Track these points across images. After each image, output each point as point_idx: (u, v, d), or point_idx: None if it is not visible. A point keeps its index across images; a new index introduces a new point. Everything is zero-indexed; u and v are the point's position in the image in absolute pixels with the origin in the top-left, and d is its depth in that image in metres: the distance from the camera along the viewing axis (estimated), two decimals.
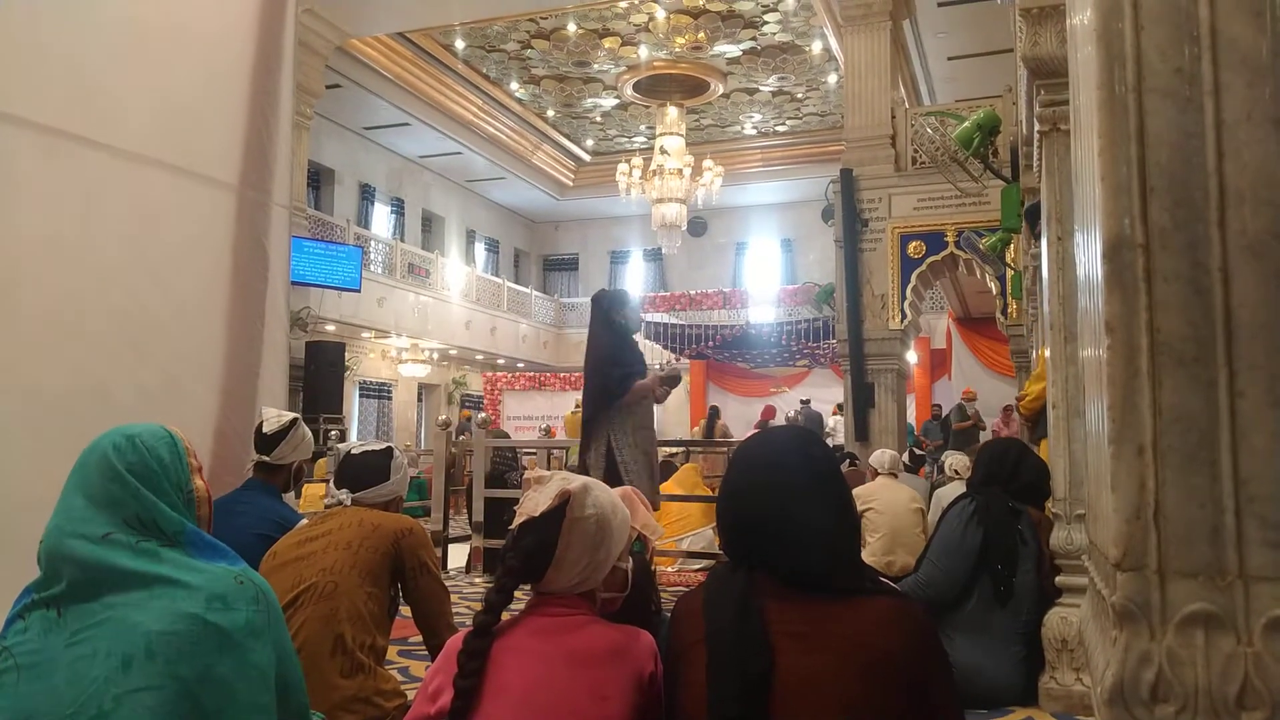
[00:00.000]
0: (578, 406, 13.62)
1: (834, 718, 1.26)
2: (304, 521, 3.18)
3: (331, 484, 2.67)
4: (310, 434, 3.48)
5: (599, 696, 1.39)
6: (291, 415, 3.42)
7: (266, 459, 3.31)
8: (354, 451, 2.68)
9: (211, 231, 3.92)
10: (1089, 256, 1.27)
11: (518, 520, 1.48)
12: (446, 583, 2.66)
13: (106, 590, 1.37)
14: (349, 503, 2.55)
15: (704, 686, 1.32)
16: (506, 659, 1.41)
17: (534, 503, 1.47)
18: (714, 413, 13.41)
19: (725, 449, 8.47)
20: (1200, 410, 1.05)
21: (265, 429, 3.33)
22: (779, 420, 12.67)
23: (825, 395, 13.95)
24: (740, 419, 15.99)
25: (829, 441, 12.82)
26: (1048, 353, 3.23)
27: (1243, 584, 1.02)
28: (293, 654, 1.55)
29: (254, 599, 1.44)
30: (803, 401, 13.51)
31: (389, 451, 2.69)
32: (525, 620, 1.47)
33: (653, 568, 1.79)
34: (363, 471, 2.61)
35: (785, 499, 1.39)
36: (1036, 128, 3.26)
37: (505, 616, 1.46)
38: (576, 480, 1.49)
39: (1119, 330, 1.08)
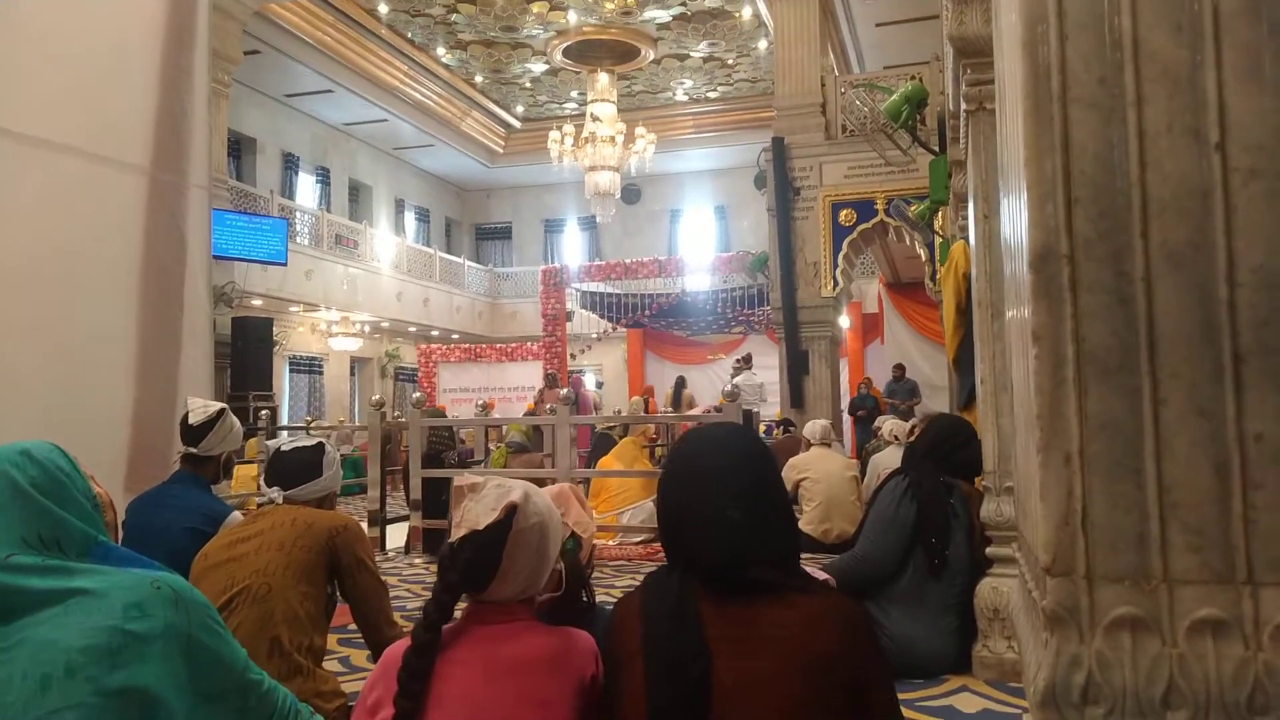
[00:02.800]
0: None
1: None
2: (235, 515, 3.13)
3: (262, 482, 2.61)
4: (238, 424, 3.40)
5: (540, 703, 1.39)
6: (219, 405, 3.33)
7: (194, 451, 3.23)
8: (285, 449, 2.62)
9: (121, 217, 3.77)
10: (1016, 262, 1.28)
11: (458, 533, 1.46)
12: (385, 564, 2.64)
13: (19, 613, 1.33)
14: (281, 501, 2.50)
15: (643, 693, 1.32)
16: (447, 670, 1.40)
17: (475, 514, 1.45)
18: (680, 383, 13.18)
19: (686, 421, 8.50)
20: (1125, 418, 1.07)
21: (191, 420, 3.24)
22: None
23: (761, 361, 14.04)
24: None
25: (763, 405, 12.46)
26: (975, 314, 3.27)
27: (1167, 588, 1.05)
28: (230, 645, 1.51)
29: (171, 602, 1.40)
30: (738, 361, 12.89)
31: (320, 447, 2.64)
32: (464, 630, 1.46)
33: (588, 570, 1.78)
34: (294, 468, 2.55)
35: (714, 501, 1.40)
36: (963, 106, 3.29)
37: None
38: (516, 489, 1.47)
39: (1046, 340, 1.09)
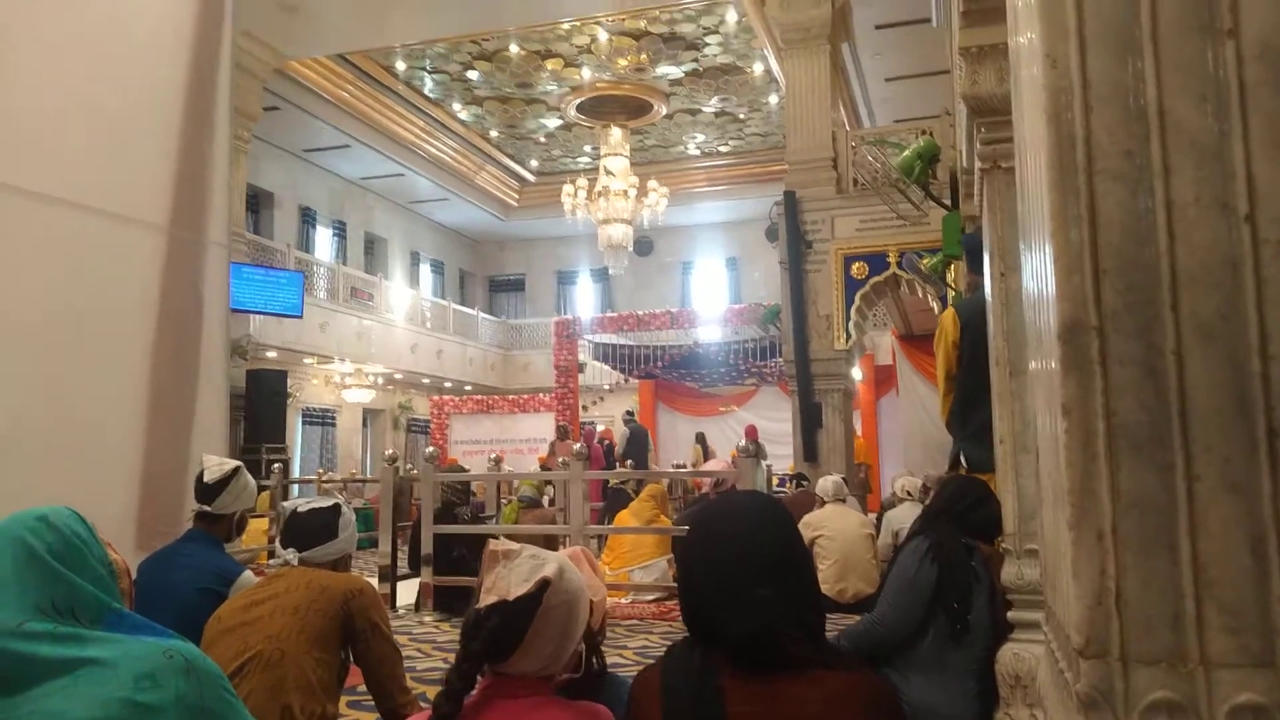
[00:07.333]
0: None
1: None
2: (248, 575, 3.10)
3: (278, 544, 2.59)
4: (253, 482, 3.39)
5: None
6: (234, 463, 3.33)
7: (207, 509, 3.21)
8: (301, 510, 2.61)
9: (137, 275, 3.80)
10: (1043, 332, 1.27)
11: (486, 600, 1.43)
12: (396, 622, 2.61)
13: (28, 683, 1.31)
14: (296, 563, 2.48)
15: None
16: None
17: (507, 583, 1.42)
18: (700, 439, 13.43)
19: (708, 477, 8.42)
20: (1158, 494, 1.04)
21: (206, 478, 3.24)
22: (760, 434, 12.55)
23: (774, 414, 13.99)
24: (691, 439, 16.00)
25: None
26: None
27: (1204, 670, 1.01)
28: (241, 716, 1.49)
29: (184, 671, 1.38)
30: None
31: (336, 509, 2.62)
32: (485, 704, 1.42)
33: (599, 637, 1.75)
34: (310, 530, 2.54)
35: (743, 578, 1.37)
36: (978, 165, 3.29)
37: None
38: (551, 562, 1.44)
39: (1076, 414, 1.07)
